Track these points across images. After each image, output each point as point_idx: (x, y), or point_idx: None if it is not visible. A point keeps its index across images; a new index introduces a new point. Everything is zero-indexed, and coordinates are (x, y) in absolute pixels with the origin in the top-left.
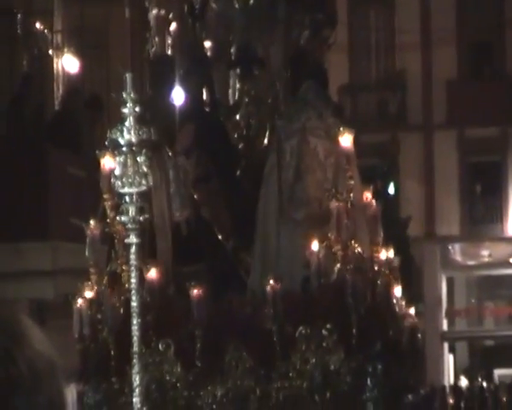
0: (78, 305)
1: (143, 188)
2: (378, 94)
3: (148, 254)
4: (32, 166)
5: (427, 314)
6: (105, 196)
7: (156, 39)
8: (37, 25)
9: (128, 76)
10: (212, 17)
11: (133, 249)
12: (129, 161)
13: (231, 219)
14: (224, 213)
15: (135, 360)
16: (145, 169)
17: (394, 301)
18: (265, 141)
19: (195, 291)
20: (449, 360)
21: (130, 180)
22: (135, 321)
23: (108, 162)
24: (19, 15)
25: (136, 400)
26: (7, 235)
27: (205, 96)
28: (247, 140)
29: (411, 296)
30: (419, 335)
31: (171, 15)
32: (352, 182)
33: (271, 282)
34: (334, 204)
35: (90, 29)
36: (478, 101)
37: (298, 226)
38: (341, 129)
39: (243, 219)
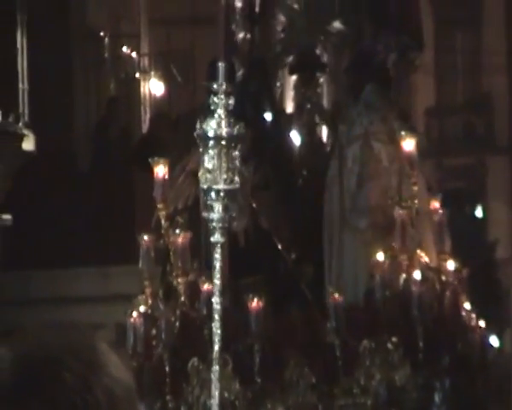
0: (132, 320)
1: (236, 185)
2: (465, 116)
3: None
4: (118, 189)
5: None
6: (159, 206)
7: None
8: (124, 48)
9: (221, 65)
10: (272, 20)
11: (219, 249)
12: (221, 155)
13: (292, 230)
14: (284, 222)
15: (216, 367)
16: (238, 165)
17: (463, 313)
18: (328, 148)
19: (253, 303)
20: None
21: (223, 176)
22: (218, 324)
23: (161, 170)
24: (106, 39)
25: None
26: (95, 259)
27: (264, 102)
28: (310, 148)
29: (498, 319)
30: (489, 350)
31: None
32: (416, 188)
33: (334, 294)
34: (397, 212)
35: (177, 52)
36: None
37: (361, 235)
38: (403, 133)
39: (305, 229)
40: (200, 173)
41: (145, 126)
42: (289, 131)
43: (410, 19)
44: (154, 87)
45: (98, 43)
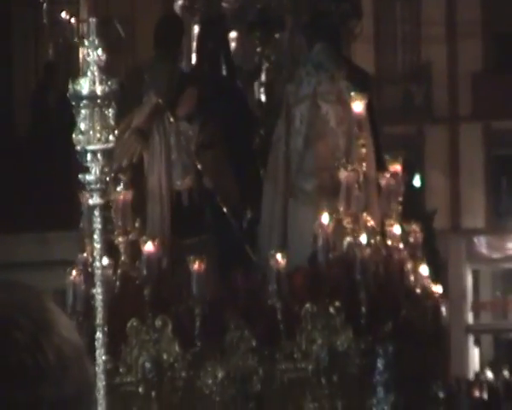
0: (72, 278)
1: (110, 145)
2: (403, 86)
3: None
4: (57, 154)
5: (453, 307)
6: None
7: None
8: (63, 14)
9: (92, 21)
10: None
11: (97, 211)
12: (94, 114)
13: (241, 190)
14: (231, 182)
15: (99, 334)
16: (112, 123)
17: (413, 278)
18: None
19: (195, 265)
20: (474, 352)
21: (98, 136)
22: (99, 290)
23: None
24: (44, 5)
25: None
26: (33, 225)
27: (221, 60)
28: (268, 107)
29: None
30: (443, 315)
31: (196, 6)
32: (365, 150)
33: (276, 256)
34: (343, 174)
35: (116, 18)
36: (504, 93)
37: (307, 198)
38: (353, 94)
39: (257, 189)
40: (73, 135)
41: None
42: (247, 90)
43: None
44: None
45: (37, 9)
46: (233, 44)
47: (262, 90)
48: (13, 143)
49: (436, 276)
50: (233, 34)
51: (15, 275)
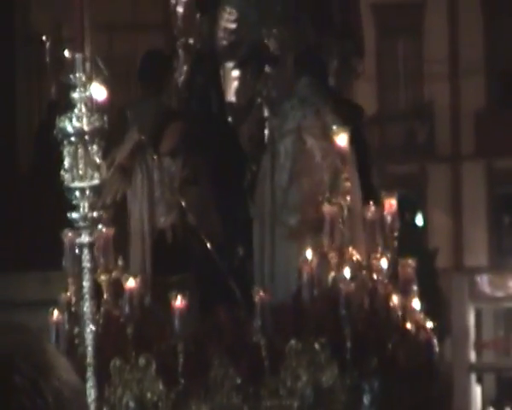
0: (55, 318)
1: (96, 181)
2: (406, 124)
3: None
4: (59, 194)
5: (455, 346)
6: None
7: (184, 68)
8: (66, 53)
9: (78, 57)
10: (222, 11)
11: (86, 250)
12: (80, 151)
13: (231, 227)
14: (215, 219)
15: (89, 373)
16: (98, 160)
17: (401, 313)
18: None
19: (177, 302)
20: (476, 391)
21: (81, 173)
22: (88, 329)
23: None
24: (47, 43)
25: None
26: (35, 264)
27: (211, 96)
28: (259, 143)
29: (439, 328)
30: (435, 351)
31: (198, 45)
32: (349, 184)
33: (260, 292)
34: (327, 208)
35: (119, 57)
36: (507, 131)
37: (291, 233)
38: (335, 127)
39: (248, 226)
40: (61, 172)
41: None
42: (238, 126)
43: (352, 26)
44: (95, 92)
45: (40, 47)
46: (235, 83)
47: (254, 125)
48: (15, 182)
49: (438, 314)
50: (235, 73)
51: (17, 315)
